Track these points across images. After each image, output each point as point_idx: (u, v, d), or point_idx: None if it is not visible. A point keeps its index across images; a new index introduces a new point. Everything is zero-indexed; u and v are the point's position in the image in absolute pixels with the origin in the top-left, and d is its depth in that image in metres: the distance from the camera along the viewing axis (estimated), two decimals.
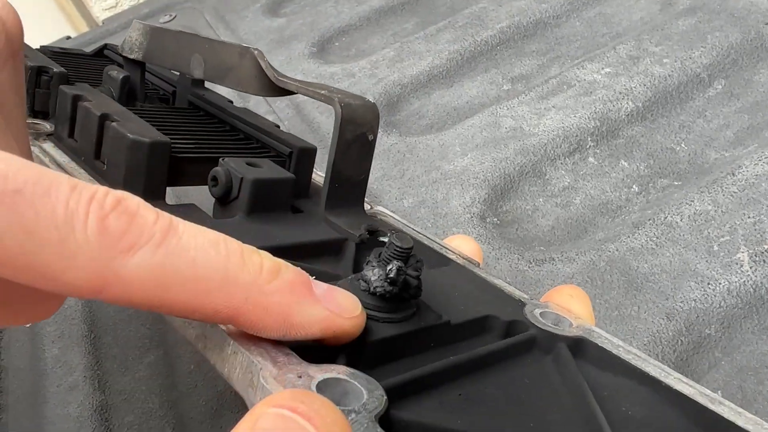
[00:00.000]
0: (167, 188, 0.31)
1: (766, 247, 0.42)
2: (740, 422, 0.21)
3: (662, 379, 0.23)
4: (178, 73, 0.45)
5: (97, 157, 0.31)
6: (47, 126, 0.36)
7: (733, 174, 0.47)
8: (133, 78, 0.39)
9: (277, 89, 0.31)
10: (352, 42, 0.84)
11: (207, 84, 0.44)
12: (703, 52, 0.58)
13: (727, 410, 0.21)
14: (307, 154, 0.36)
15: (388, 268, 0.21)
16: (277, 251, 0.26)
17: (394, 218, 0.35)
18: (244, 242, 0.25)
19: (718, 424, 0.21)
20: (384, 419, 0.17)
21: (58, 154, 0.32)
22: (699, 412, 0.22)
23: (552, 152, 0.55)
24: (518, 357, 0.24)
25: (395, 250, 0.21)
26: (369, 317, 0.21)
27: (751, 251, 0.42)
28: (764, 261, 0.41)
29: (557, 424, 0.21)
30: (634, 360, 0.24)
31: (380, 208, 0.35)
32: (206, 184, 0.32)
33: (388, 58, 0.75)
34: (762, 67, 0.57)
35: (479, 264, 0.31)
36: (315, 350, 0.20)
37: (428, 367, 0.21)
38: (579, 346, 0.25)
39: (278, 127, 0.39)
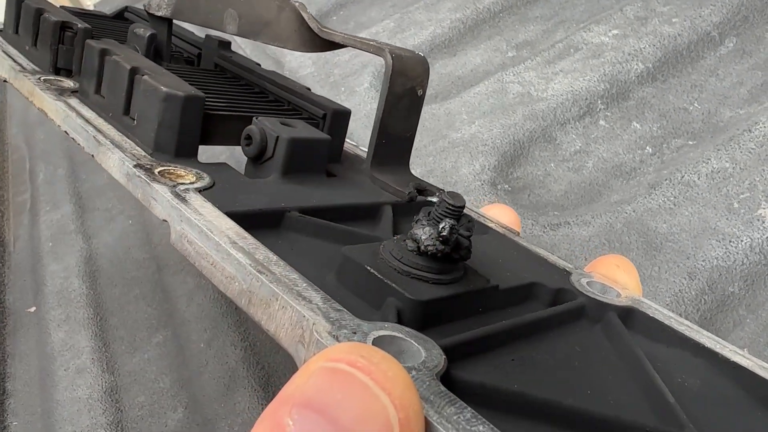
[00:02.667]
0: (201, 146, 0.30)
1: None
2: None
3: (718, 351, 0.22)
4: (203, 37, 0.44)
5: (126, 113, 0.29)
6: (70, 83, 0.35)
7: (750, 130, 0.46)
8: (160, 36, 0.37)
9: (319, 43, 0.30)
10: (350, 15, 0.82)
11: (234, 47, 0.43)
12: (713, 10, 0.57)
13: None
14: (341, 116, 0.35)
15: (441, 226, 0.20)
16: (315, 212, 0.25)
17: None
18: (280, 203, 0.24)
19: None
20: (444, 378, 0.16)
21: (84, 110, 0.31)
22: (758, 385, 0.21)
23: (562, 116, 0.54)
24: (568, 325, 0.23)
25: (447, 207, 0.20)
26: (418, 278, 0.20)
27: None
28: None
29: (615, 390, 0.20)
30: (687, 331, 0.23)
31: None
32: (238, 144, 0.31)
33: (389, 29, 0.73)
34: None
35: (518, 233, 0.30)
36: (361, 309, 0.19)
37: (480, 330, 0.20)
38: (629, 316, 0.24)
39: (309, 89, 0.37)
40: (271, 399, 0.44)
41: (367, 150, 0.32)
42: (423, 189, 0.28)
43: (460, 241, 0.20)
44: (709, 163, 0.45)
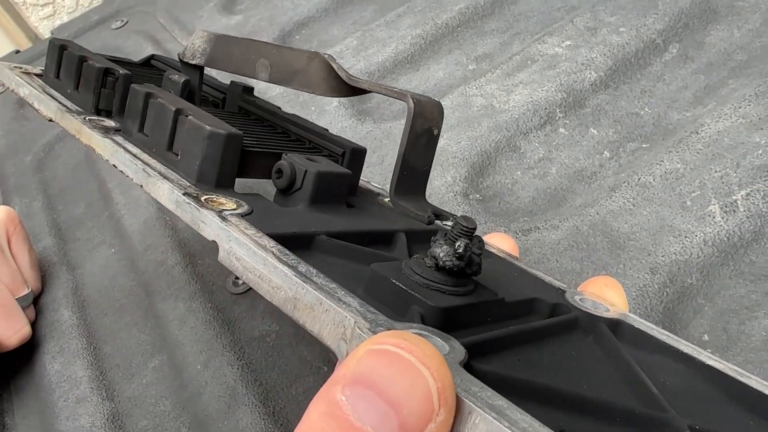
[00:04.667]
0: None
1: (734, 198, 0.45)
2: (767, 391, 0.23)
3: (695, 356, 0.26)
4: (226, 82, 0.48)
5: (169, 149, 0.32)
6: (111, 123, 0.38)
7: (697, 132, 0.50)
8: (193, 81, 0.41)
9: (346, 89, 0.33)
10: (313, 34, 0.85)
11: (256, 93, 0.48)
12: (656, 19, 0.61)
13: (755, 382, 0.24)
14: (359, 153, 0.39)
15: (457, 245, 0.23)
16: (340, 236, 0.28)
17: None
18: (310, 227, 0.28)
19: (748, 394, 0.24)
20: (466, 366, 0.19)
21: (130, 146, 0.34)
22: (730, 385, 0.24)
23: (524, 126, 0.57)
24: (564, 334, 0.26)
25: (462, 228, 0.24)
26: (436, 289, 0.24)
27: (721, 203, 0.45)
28: (734, 211, 0.44)
29: (607, 385, 0.23)
30: (668, 340, 0.27)
31: None
32: (267, 178, 0.34)
33: (352, 47, 0.76)
34: (711, 29, 0.60)
35: (517, 258, 0.34)
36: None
37: (491, 333, 0.23)
38: (617, 328, 0.28)
39: (326, 130, 0.41)
40: (272, 413, 0.46)
41: (375, 184, 0.38)
42: (439, 214, 0.31)
43: (473, 258, 0.24)
44: (662, 164, 0.49)
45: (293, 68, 0.35)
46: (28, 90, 0.42)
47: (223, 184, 0.32)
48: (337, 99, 0.69)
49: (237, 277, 0.56)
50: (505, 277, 0.30)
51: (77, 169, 0.78)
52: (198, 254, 0.60)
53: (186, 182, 0.31)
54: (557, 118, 0.58)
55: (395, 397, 0.17)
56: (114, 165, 0.33)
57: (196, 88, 0.41)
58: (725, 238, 0.43)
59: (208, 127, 0.31)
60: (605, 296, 0.30)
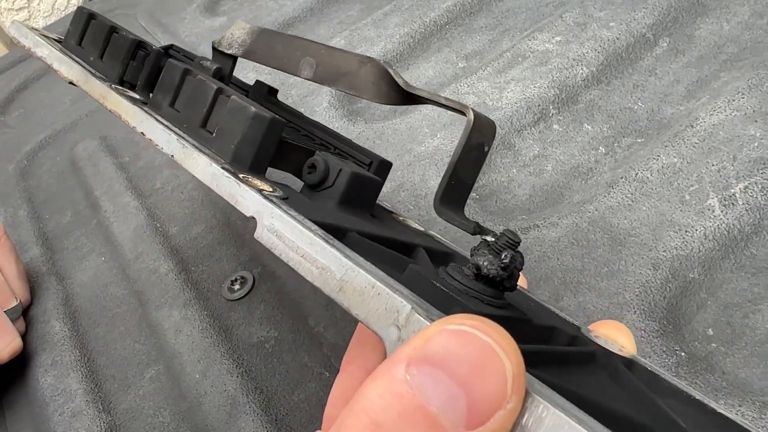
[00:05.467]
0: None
1: (732, 191, 0.45)
2: None
3: (706, 403, 0.26)
4: (247, 82, 0.47)
5: (203, 126, 0.32)
6: (136, 95, 0.38)
7: (692, 126, 0.50)
8: (224, 70, 0.40)
9: (397, 97, 0.32)
10: (299, 33, 0.84)
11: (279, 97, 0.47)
12: (646, 13, 0.61)
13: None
14: (385, 166, 0.39)
15: (503, 255, 0.23)
16: (369, 237, 0.28)
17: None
18: (343, 223, 0.27)
19: None
20: None
21: (159, 118, 0.33)
22: None
23: (518, 123, 0.57)
24: (583, 365, 0.26)
25: (508, 240, 0.24)
26: (474, 297, 0.23)
27: (719, 196, 0.45)
28: (733, 204, 0.44)
29: (630, 413, 0.23)
30: (679, 384, 0.27)
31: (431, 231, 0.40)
32: (296, 173, 0.34)
33: (339, 47, 0.75)
34: (701, 22, 0.60)
35: (528, 290, 0.35)
36: None
37: (527, 346, 0.22)
38: (631, 367, 0.28)
39: (350, 140, 0.42)
40: (275, 421, 0.45)
41: (386, 204, 0.38)
42: (482, 227, 0.31)
43: (514, 272, 0.24)
44: (659, 159, 0.49)
45: (341, 69, 0.34)
46: (48, 51, 0.41)
47: (257, 169, 0.31)
48: (328, 100, 0.68)
49: (233, 283, 0.55)
50: (525, 305, 0.30)
51: (62, 177, 0.77)
52: (191, 261, 0.59)
53: (221, 160, 0.30)
54: (551, 114, 0.57)
55: (467, 378, 0.16)
56: (142, 133, 0.32)
57: (227, 77, 0.41)
58: (725, 232, 0.43)
59: (253, 108, 0.30)
60: (615, 338, 0.30)
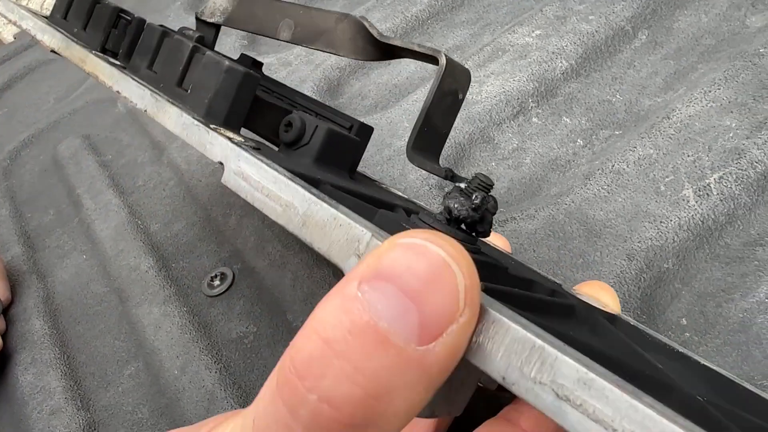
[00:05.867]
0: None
1: (707, 181, 0.45)
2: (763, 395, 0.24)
3: (690, 355, 0.25)
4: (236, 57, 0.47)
5: (179, 85, 0.32)
6: (116, 62, 0.38)
7: (668, 117, 0.50)
8: (207, 39, 0.40)
9: (372, 52, 0.32)
10: None
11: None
12: (624, 6, 0.61)
13: (749, 386, 0.25)
14: (366, 130, 0.39)
15: (474, 196, 0.22)
16: (345, 191, 0.28)
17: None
18: (316, 175, 0.27)
19: (742, 394, 0.24)
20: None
21: (136, 78, 0.34)
22: (725, 385, 0.24)
23: (497, 117, 0.57)
24: (561, 316, 0.25)
25: (480, 182, 0.23)
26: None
27: (694, 187, 0.45)
28: (707, 195, 0.44)
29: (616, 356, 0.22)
30: (663, 339, 0.27)
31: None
32: (274, 136, 0.34)
33: None
34: (679, 14, 0.60)
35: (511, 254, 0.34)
36: None
37: (497, 286, 0.21)
38: (613, 322, 0.27)
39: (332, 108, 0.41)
40: None
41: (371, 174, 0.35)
42: (454, 174, 0.31)
43: (486, 215, 0.23)
44: (635, 151, 0.49)
45: (319, 28, 0.34)
46: (32, 22, 0.42)
47: (231, 124, 0.31)
48: (310, 91, 0.68)
49: (212, 279, 0.55)
50: (504, 261, 0.29)
51: (45, 175, 0.77)
52: (171, 257, 0.59)
53: (195, 114, 0.30)
54: (530, 107, 0.58)
55: (419, 292, 0.15)
56: (117, 91, 0.33)
57: (209, 45, 0.41)
58: (700, 222, 0.43)
59: (226, 62, 0.30)
60: (599, 298, 0.29)
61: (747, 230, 0.43)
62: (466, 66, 0.62)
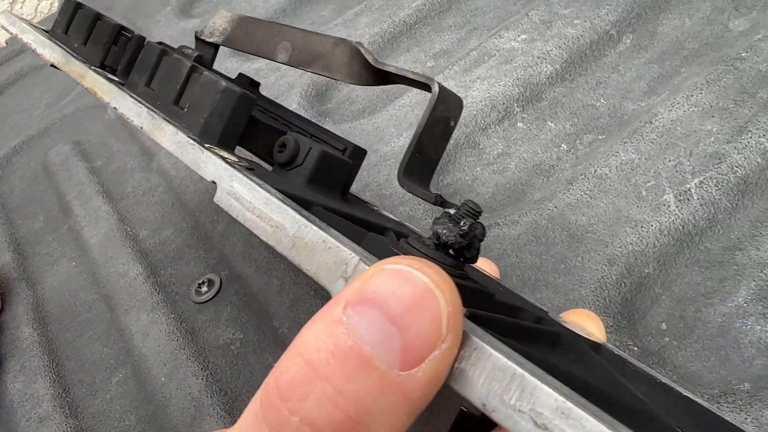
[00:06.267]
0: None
1: (687, 186, 0.45)
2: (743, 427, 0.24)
3: (673, 386, 0.26)
4: (228, 75, 0.47)
5: (176, 103, 0.33)
6: (115, 78, 0.39)
7: (651, 122, 0.50)
8: (206, 58, 0.41)
9: (367, 77, 0.33)
10: None
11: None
12: (609, 10, 0.62)
13: (731, 418, 0.24)
14: (360, 153, 0.40)
15: (462, 223, 0.23)
16: (336, 213, 0.28)
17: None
18: (308, 197, 0.28)
19: (724, 428, 0.24)
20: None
21: (134, 95, 0.34)
22: (705, 415, 0.24)
23: (482, 122, 0.58)
24: (547, 343, 0.26)
25: (469, 209, 0.23)
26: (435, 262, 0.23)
27: (675, 192, 0.45)
28: (688, 200, 0.44)
29: (596, 387, 0.23)
30: (647, 369, 0.27)
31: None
32: (268, 155, 0.34)
33: None
34: (664, 18, 0.61)
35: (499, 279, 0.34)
36: None
37: (483, 312, 0.22)
38: (598, 351, 0.27)
39: (328, 131, 0.42)
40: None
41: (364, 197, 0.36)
42: (444, 200, 0.31)
43: (474, 242, 0.23)
44: (617, 155, 0.49)
45: (316, 52, 0.35)
46: (33, 36, 0.43)
47: (226, 144, 0.31)
48: (297, 101, 0.68)
49: (200, 286, 0.55)
50: (491, 287, 0.30)
51: (35, 182, 0.77)
52: (160, 264, 0.59)
53: (190, 133, 0.30)
54: (515, 112, 0.58)
55: (403, 317, 0.16)
56: (115, 108, 0.33)
57: (208, 63, 0.42)
58: (680, 227, 0.44)
59: (223, 83, 0.31)
60: (585, 326, 0.30)
61: (727, 235, 0.43)
62: (453, 70, 0.63)
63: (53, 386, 0.52)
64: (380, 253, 0.22)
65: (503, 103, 0.58)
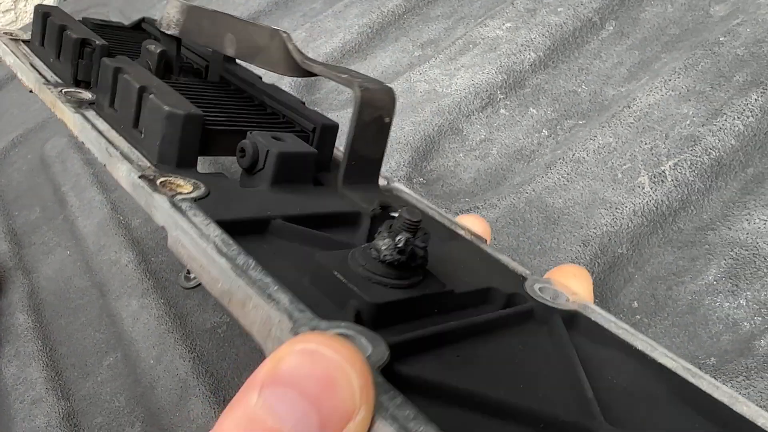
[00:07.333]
0: (200, 157, 0.33)
1: (662, 168, 0.46)
2: (716, 395, 0.23)
3: (648, 353, 0.25)
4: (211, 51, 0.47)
5: (135, 126, 0.32)
6: (89, 95, 0.38)
7: (629, 106, 0.51)
8: (170, 52, 0.40)
9: (302, 70, 0.33)
10: None
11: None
12: None
13: (706, 383, 0.24)
14: (330, 130, 0.38)
15: (397, 239, 0.23)
16: (299, 220, 0.28)
17: (410, 194, 0.37)
18: (267, 211, 0.27)
19: (696, 395, 0.23)
20: (387, 371, 0.19)
21: (99, 122, 0.34)
22: (680, 385, 0.24)
23: (466, 109, 0.58)
24: (516, 326, 0.26)
25: (404, 222, 0.23)
26: (379, 282, 0.23)
27: (650, 174, 0.46)
28: (662, 181, 0.45)
29: (545, 386, 0.23)
30: (624, 334, 0.26)
31: (397, 185, 0.37)
32: (235, 155, 0.34)
33: (301, 39, 0.76)
34: (646, 4, 0.61)
35: (486, 241, 0.33)
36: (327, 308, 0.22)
37: (430, 329, 0.23)
38: (573, 320, 0.27)
39: (303, 103, 0.41)
40: (222, 402, 0.47)
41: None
42: (387, 205, 0.30)
43: (416, 251, 0.23)
44: (595, 139, 0.50)
45: (257, 44, 0.35)
46: (12, 59, 0.42)
47: (185, 164, 0.31)
48: (288, 87, 0.69)
49: (189, 271, 0.56)
50: (466, 262, 0.30)
51: (32, 174, 0.78)
52: (151, 251, 0.60)
53: (147, 162, 0.31)
54: (498, 99, 0.59)
55: (316, 394, 0.16)
56: (82, 142, 0.33)
57: (173, 59, 0.41)
58: (654, 208, 0.44)
59: (166, 108, 0.31)
60: (569, 285, 0.29)
61: (700, 215, 0.44)
62: (438, 59, 0.63)
63: (46, 370, 0.54)
64: (327, 285, 0.23)
65: (486, 91, 0.59)
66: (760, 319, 0.38)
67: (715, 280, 0.40)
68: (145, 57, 0.41)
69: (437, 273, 0.25)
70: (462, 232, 0.33)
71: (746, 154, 0.46)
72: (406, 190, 0.37)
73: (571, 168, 0.49)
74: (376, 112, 0.28)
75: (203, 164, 0.34)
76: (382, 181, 0.35)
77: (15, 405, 0.52)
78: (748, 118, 0.46)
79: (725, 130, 0.46)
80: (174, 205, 0.26)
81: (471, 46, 0.64)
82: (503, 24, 0.64)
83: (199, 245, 0.24)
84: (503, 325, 0.25)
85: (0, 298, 0.62)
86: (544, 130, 0.55)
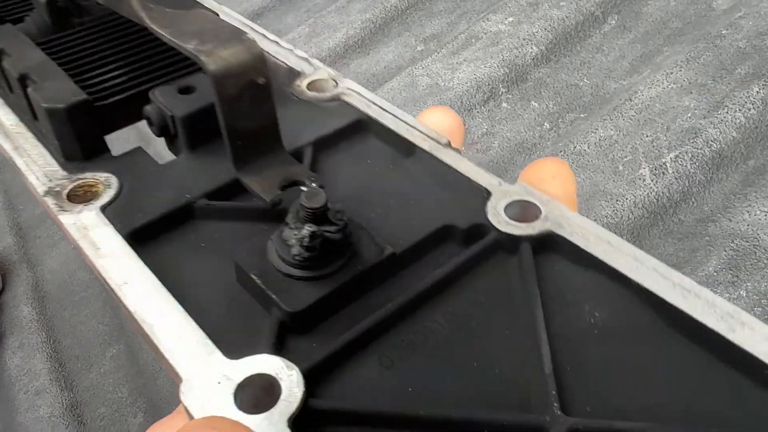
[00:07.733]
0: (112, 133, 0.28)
1: (663, 161, 0.46)
2: (710, 323, 0.19)
3: (631, 276, 0.21)
4: None
5: (36, 119, 0.28)
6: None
7: (631, 99, 0.51)
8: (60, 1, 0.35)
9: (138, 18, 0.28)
10: (268, 23, 0.85)
11: None
12: None
13: (701, 304, 0.20)
14: None
15: (302, 234, 0.20)
16: (222, 192, 0.25)
17: (361, 95, 0.30)
18: (186, 194, 0.25)
19: (686, 322, 0.20)
20: (304, 413, 0.18)
21: (6, 114, 0.30)
22: (667, 311, 0.21)
23: (468, 102, 0.58)
24: (477, 268, 0.22)
25: (307, 212, 0.20)
26: (299, 278, 0.20)
27: (651, 166, 0.46)
28: (663, 173, 0.45)
29: (501, 361, 0.20)
30: (605, 251, 0.22)
31: (349, 83, 0.31)
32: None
33: (304, 34, 0.77)
34: None
35: (450, 143, 0.27)
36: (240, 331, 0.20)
37: (356, 329, 0.20)
38: (546, 242, 0.23)
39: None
40: None
41: (300, 53, 0.31)
42: (290, 183, 0.25)
43: (329, 238, 0.20)
44: (597, 132, 0.50)
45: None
46: None
47: (94, 153, 0.28)
48: None
49: None
50: (418, 191, 0.25)
51: None
52: None
53: (56, 163, 0.27)
54: (500, 93, 0.59)
55: None
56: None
57: (69, 4, 0.35)
58: (654, 200, 0.44)
59: (44, 105, 0.27)
60: (546, 187, 0.24)
61: (700, 207, 0.44)
62: (441, 53, 0.64)
63: (50, 361, 0.54)
64: (247, 285, 0.21)
65: (489, 84, 0.59)
66: (760, 309, 0.38)
67: (715, 271, 0.40)
68: (38, 9, 0.35)
69: (377, 227, 0.22)
70: (419, 141, 0.27)
71: (747, 146, 0.46)
72: (357, 88, 0.31)
73: (572, 160, 0.49)
74: (242, 80, 0.24)
75: (129, 131, 0.30)
76: (330, 84, 0.30)
77: (19, 395, 0.52)
78: (749, 110, 0.46)
79: (726, 123, 0.46)
80: (79, 228, 0.23)
81: (473, 40, 0.64)
82: (506, 18, 0.64)
83: (100, 278, 0.22)
84: (457, 277, 0.22)
85: (5, 290, 0.62)
86: (545, 123, 0.55)
